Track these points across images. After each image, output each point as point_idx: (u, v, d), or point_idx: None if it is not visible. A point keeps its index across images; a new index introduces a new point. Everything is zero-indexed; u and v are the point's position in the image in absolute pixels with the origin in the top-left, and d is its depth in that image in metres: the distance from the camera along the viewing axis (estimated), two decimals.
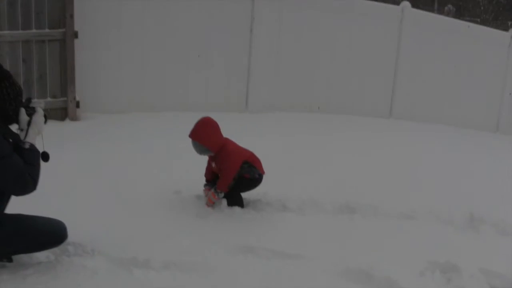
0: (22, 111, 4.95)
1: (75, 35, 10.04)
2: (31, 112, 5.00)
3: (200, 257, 5.55)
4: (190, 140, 6.48)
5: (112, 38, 10.82)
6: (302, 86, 12.50)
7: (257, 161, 6.73)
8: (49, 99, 10.15)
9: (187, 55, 11.50)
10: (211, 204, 6.58)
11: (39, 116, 5.01)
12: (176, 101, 11.41)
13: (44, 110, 5.12)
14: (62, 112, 10.33)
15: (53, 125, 9.35)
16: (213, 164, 6.63)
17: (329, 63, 12.70)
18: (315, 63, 12.60)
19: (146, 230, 6.06)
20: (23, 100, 5.00)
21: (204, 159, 6.87)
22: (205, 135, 6.46)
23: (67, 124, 10.15)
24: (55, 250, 5.34)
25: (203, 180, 7.01)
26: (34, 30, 9.90)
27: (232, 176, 6.52)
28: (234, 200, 6.75)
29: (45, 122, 5.09)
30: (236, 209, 6.68)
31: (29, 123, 4.96)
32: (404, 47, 13.15)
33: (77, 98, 10.29)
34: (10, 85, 4.83)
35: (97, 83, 10.79)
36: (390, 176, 8.51)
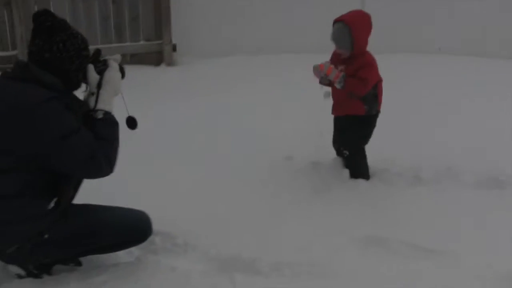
0: (90, 68, 3.68)
1: None
2: (102, 68, 3.72)
3: (319, 255, 4.30)
4: (331, 28, 5.18)
5: None
6: None
7: (381, 91, 5.40)
8: (142, 42, 9.25)
9: None
10: (321, 72, 5.11)
11: (113, 71, 3.73)
12: (291, 42, 9.90)
13: (120, 62, 3.86)
14: (157, 56, 9.34)
15: (147, 71, 8.46)
16: (339, 68, 5.16)
17: None
18: None
19: (250, 215, 4.87)
20: (90, 55, 3.72)
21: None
22: (362, 26, 5.16)
23: (163, 70, 9.16)
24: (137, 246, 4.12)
25: (321, 141, 5.79)
26: None
27: (371, 84, 5.18)
28: (358, 168, 5.50)
29: (122, 77, 3.81)
30: (361, 182, 5.42)
31: (100, 84, 3.68)
32: None
33: (174, 41, 9.11)
34: (68, 38, 3.54)
35: (196, 24, 9.61)
36: None
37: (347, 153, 5.41)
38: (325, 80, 5.17)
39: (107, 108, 3.67)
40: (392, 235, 4.52)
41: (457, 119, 7.13)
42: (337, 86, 5.08)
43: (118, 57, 3.88)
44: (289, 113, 7.04)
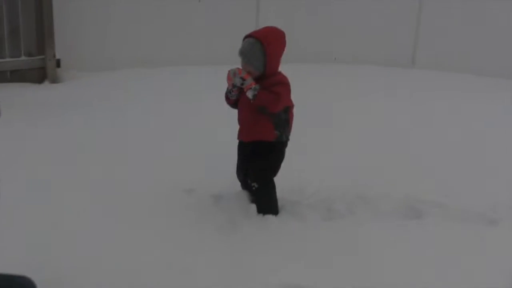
0: None
1: None
2: None
3: None
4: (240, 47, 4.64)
5: None
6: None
7: (292, 117, 4.85)
8: (23, 58, 8.39)
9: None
10: (238, 75, 4.58)
11: None
12: (173, 55, 9.25)
13: None
14: (39, 72, 8.55)
15: (29, 89, 7.65)
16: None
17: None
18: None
19: (139, 264, 4.10)
20: None
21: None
22: (276, 43, 4.63)
23: (46, 88, 8.39)
24: None
25: (222, 170, 5.32)
26: None
27: (285, 102, 4.65)
28: (266, 202, 4.89)
29: None
30: (270, 218, 4.80)
31: None
32: None
33: (57, 56, 8.33)
34: None
35: (80, 36, 8.89)
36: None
37: (256, 185, 4.80)
38: (233, 94, 4.73)
39: None
40: (312, 282, 3.95)
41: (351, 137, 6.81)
42: (249, 94, 4.53)
43: None
44: (185, 135, 6.46)
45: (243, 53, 4.60)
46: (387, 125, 7.37)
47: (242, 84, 4.56)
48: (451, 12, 10.86)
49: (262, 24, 9.55)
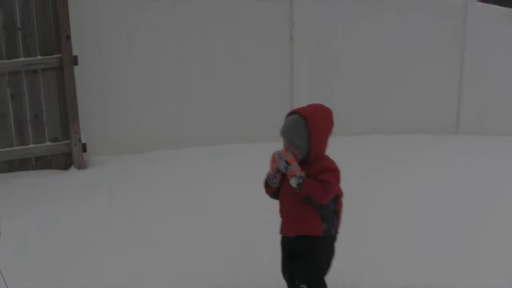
0: None
1: (74, 60, 7.66)
2: None
3: None
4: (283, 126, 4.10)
5: (122, 61, 8.39)
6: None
7: (341, 207, 4.24)
8: (48, 143, 7.80)
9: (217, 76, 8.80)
10: (283, 158, 4.01)
11: None
12: (205, 133, 8.71)
13: None
14: (65, 158, 7.97)
15: (54, 176, 7.09)
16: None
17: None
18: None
19: None
20: None
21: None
22: (321, 123, 4.07)
23: (72, 174, 7.76)
24: None
25: (265, 266, 4.73)
26: (22, 58, 7.54)
27: (334, 192, 4.04)
28: None
29: None
30: None
31: None
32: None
33: (83, 140, 7.75)
34: None
35: (106, 118, 8.36)
36: None
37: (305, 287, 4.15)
38: (275, 182, 4.15)
39: None
40: None
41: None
42: (293, 183, 3.94)
43: None
44: (220, 224, 5.84)
45: (284, 131, 4.04)
46: (445, 206, 6.55)
47: (286, 169, 3.96)
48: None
49: (296, 98, 9.14)
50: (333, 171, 4.05)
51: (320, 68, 9.45)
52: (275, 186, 4.18)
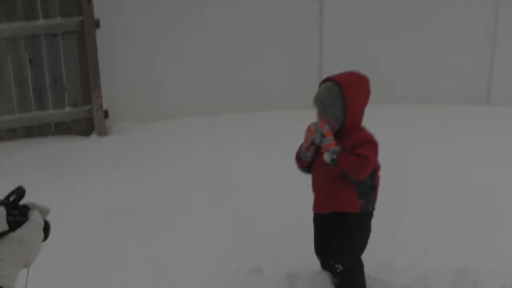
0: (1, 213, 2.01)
1: (96, 24, 7.34)
2: (18, 219, 2.06)
3: None
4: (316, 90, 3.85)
5: (145, 25, 7.99)
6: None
7: (379, 181, 3.95)
8: (68, 109, 7.52)
9: (242, 44, 8.44)
10: (319, 130, 3.72)
11: (32, 229, 2.09)
12: (231, 100, 8.40)
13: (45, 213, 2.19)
14: (86, 124, 7.65)
15: (75, 143, 6.81)
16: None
17: None
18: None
19: None
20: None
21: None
22: (357, 91, 3.76)
23: (95, 141, 7.49)
24: None
25: (296, 244, 4.40)
26: (41, 21, 7.18)
27: (372, 167, 3.76)
28: (351, 285, 4.03)
29: (45, 239, 2.15)
30: None
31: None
32: None
33: (105, 106, 7.46)
34: None
35: (129, 84, 8.00)
36: None
37: (340, 268, 3.88)
38: (308, 155, 3.87)
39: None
40: None
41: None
42: (326, 158, 3.67)
43: (47, 209, 2.23)
44: (248, 198, 5.52)
45: (317, 99, 3.75)
46: (480, 176, 6.21)
47: (320, 142, 3.67)
48: None
49: (326, 66, 8.80)
50: (371, 144, 3.76)
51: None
52: (308, 160, 3.90)
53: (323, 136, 3.66)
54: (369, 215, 3.92)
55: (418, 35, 9.25)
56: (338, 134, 3.74)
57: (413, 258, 4.48)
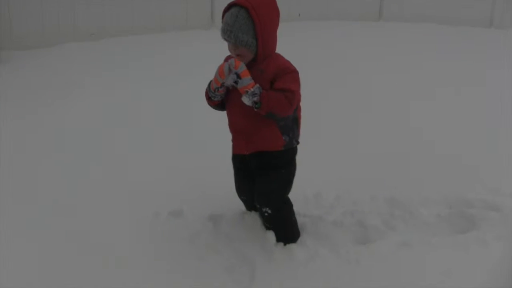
0: None
1: None
2: None
3: None
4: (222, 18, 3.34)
5: None
6: None
7: (300, 113, 3.55)
8: None
9: None
10: (233, 71, 3.24)
11: None
12: (122, 23, 7.87)
13: None
14: None
15: None
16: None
17: None
18: None
19: None
20: None
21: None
22: (266, 11, 3.28)
23: None
24: None
25: (215, 184, 4.07)
26: None
27: (298, 102, 3.34)
28: (286, 229, 3.64)
29: None
30: (294, 250, 3.52)
31: None
32: None
33: None
34: None
35: (14, 10, 7.27)
36: None
37: (269, 211, 3.51)
38: (217, 95, 3.40)
39: None
40: None
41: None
42: (247, 101, 3.21)
43: None
44: (160, 136, 5.09)
45: (226, 29, 3.24)
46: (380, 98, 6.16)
47: (236, 83, 3.23)
48: None
49: None
50: (292, 73, 3.31)
51: None
52: (218, 100, 3.45)
53: (238, 77, 3.21)
54: (294, 150, 3.54)
55: None
56: (252, 64, 3.32)
57: (341, 191, 4.17)
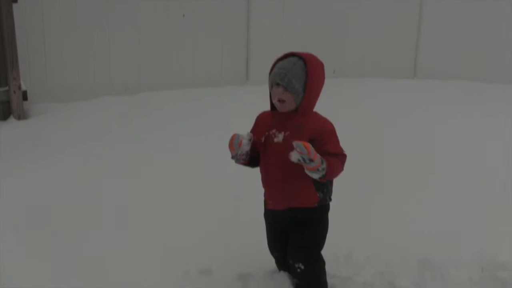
0: None
1: None
2: None
3: None
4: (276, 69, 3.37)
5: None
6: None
7: None
8: None
9: (168, 15, 7.97)
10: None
11: None
12: (155, 78, 7.96)
13: None
14: (3, 107, 7.04)
15: None
16: (278, 136, 3.38)
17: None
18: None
19: None
20: None
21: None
22: (319, 73, 3.38)
23: (12, 125, 6.82)
24: None
25: (247, 242, 4.04)
26: None
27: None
28: (313, 284, 3.56)
29: None
30: None
31: None
32: None
33: (23, 87, 6.92)
34: None
35: (49, 63, 7.31)
36: None
37: (302, 267, 3.47)
38: (239, 159, 3.42)
39: None
40: None
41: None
42: (315, 176, 3.21)
43: None
44: (189, 191, 5.07)
45: (282, 73, 3.28)
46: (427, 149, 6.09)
47: (304, 162, 3.18)
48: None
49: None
50: (335, 133, 3.38)
51: None
52: (241, 163, 3.47)
53: (311, 160, 3.20)
54: (327, 207, 3.54)
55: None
56: (290, 116, 3.34)
57: (372, 251, 4.12)
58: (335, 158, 3.25)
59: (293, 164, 3.23)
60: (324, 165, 3.17)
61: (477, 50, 10.15)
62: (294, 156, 3.14)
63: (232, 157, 3.41)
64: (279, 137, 3.35)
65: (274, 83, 3.32)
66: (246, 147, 3.32)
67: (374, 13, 9.64)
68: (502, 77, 9.94)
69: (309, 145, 3.12)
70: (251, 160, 3.50)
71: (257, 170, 3.53)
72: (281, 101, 3.31)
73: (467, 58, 10.12)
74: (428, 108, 7.82)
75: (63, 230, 4.35)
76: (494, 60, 10.14)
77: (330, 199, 3.52)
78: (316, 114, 3.44)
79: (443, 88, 9.19)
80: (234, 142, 3.30)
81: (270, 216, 3.63)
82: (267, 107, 3.47)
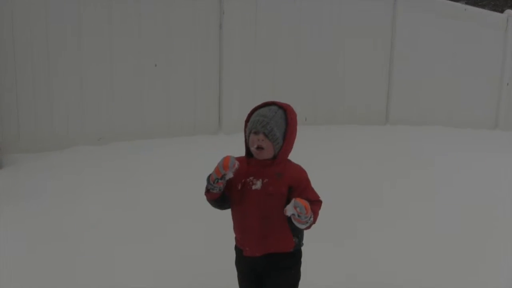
0: None
1: None
2: None
3: None
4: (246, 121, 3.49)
5: (38, 45, 7.40)
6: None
7: None
8: None
9: (142, 64, 8.06)
10: (223, 171, 3.28)
11: None
12: (131, 127, 7.95)
13: None
14: None
15: None
16: (256, 183, 3.40)
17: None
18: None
19: None
20: None
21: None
22: (295, 123, 3.46)
23: None
24: None
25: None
26: None
27: None
28: None
29: None
30: None
31: None
32: None
33: None
34: None
35: (22, 112, 7.27)
36: None
37: None
38: (215, 186, 3.36)
39: None
40: None
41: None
42: (302, 226, 3.25)
43: None
44: (159, 232, 5.09)
45: (264, 120, 3.33)
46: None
47: (299, 217, 3.19)
48: None
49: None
50: (309, 180, 3.44)
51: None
52: (216, 192, 3.44)
53: (310, 218, 3.21)
54: (301, 252, 3.55)
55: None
56: (268, 163, 3.37)
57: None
58: (315, 206, 3.28)
59: (272, 211, 3.27)
60: (312, 217, 3.19)
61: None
62: (290, 211, 3.14)
63: (213, 182, 3.35)
64: (257, 185, 3.36)
65: (253, 130, 3.34)
66: (231, 174, 3.31)
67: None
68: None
69: (308, 205, 3.15)
70: (221, 197, 3.48)
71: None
72: (260, 148, 3.33)
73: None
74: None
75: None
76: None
77: (303, 244, 3.54)
78: (289, 161, 3.47)
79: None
80: (230, 162, 3.27)
81: (244, 264, 3.61)
82: (241, 155, 3.48)
